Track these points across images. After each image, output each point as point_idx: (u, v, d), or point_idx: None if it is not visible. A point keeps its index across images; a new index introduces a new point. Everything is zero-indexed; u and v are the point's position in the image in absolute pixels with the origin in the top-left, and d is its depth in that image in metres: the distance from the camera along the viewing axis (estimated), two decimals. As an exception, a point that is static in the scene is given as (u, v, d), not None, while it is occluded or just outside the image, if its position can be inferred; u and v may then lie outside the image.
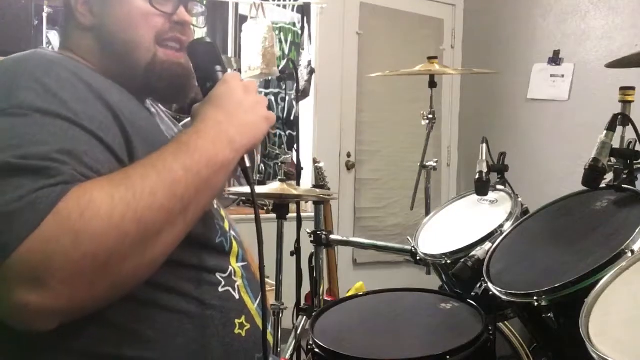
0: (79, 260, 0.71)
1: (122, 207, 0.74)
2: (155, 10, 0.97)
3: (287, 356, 2.13)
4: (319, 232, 2.28)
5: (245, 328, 0.98)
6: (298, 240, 2.27)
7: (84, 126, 0.80)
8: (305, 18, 3.53)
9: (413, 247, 1.80)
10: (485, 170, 1.71)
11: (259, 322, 1.01)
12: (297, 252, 2.27)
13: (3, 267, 0.70)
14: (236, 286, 0.98)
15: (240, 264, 1.02)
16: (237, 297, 0.98)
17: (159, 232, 0.77)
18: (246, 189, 2.39)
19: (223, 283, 0.96)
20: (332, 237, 2.29)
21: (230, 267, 0.99)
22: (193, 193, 0.81)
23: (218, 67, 0.96)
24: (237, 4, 3.62)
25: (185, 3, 1.02)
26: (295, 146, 2.45)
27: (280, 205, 2.11)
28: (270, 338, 1.08)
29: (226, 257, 1.00)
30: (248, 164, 0.92)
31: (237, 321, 0.97)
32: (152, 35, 0.97)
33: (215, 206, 1.05)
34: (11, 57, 0.88)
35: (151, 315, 0.87)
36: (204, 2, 3.39)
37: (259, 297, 1.03)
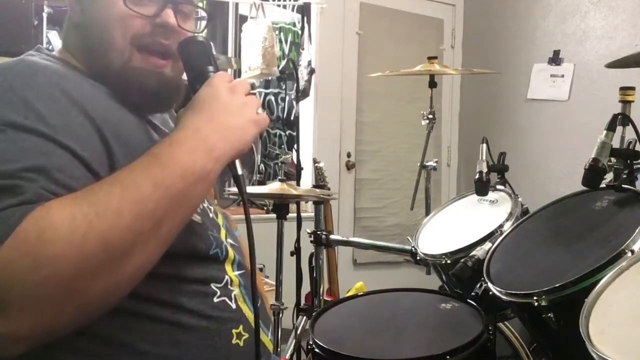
0: (39, 284, 0.67)
1: (84, 227, 0.70)
2: (131, 11, 0.92)
3: (287, 356, 2.13)
4: (319, 232, 2.28)
5: (244, 338, 0.96)
6: (298, 240, 2.27)
7: (59, 141, 0.78)
8: (305, 18, 3.53)
9: (413, 247, 1.80)
10: (485, 170, 1.71)
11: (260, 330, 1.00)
12: (297, 252, 2.27)
13: None
14: (233, 295, 0.97)
15: (237, 272, 1.00)
16: (233, 306, 0.96)
17: (128, 253, 0.73)
18: (246, 190, 2.39)
19: (218, 293, 0.94)
20: (332, 237, 2.29)
21: (227, 277, 0.97)
22: (166, 209, 0.76)
23: (210, 68, 0.91)
24: (237, 4, 3.62)
25: (173, 5, 0.95)
26: (295, 146, 2.45)
27: (280, 205, 2.11)
28: (269, 345, 1.05)
29: (221, 267, 0.98)
30: (240, 171, 0.87)
31: (234, 331, 0.95)
32: (127, 37, 0.92)
33: (211, 215, 1.02)
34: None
35: (143, 327, 0.86)
36: (204, 6, 3.39)
37: (258, 305, 1.02)
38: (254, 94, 0.92)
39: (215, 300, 0.94)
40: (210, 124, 0.83)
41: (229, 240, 1.03)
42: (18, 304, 0.68)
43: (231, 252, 1.01)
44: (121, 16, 0.92)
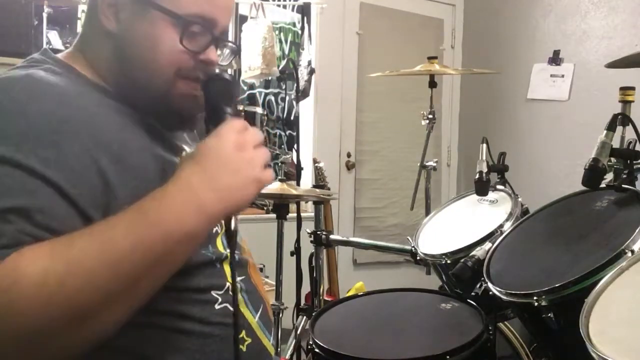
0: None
1: (53, 286, 0.68)
2: (183, 48, 0.90)
3: (287, 356, 2.13)
4: (319, 232, 2.28)
5: (246, 343, 0.96)
6: (298, 240, 2.27)
7: (48, 178, 0.75)
8: (305, 18, 3.53)
9: (413, 247, 1.80)
10: (485, 170, 1.71)
11: (261, 335, 1.00)
12: (297, 252, 2.27)
13: None
14: None
15: (238, 278, 0.99)
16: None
17: (95, 313, 0.72)
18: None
19: (220, 300, 0.94)
20: (332, 237, 2.29)
21: (227, 283, 0.97)
22: (143, 270, 0.74)
23: (228, 109, 0.87)
24: (237, 4, 3.61)
25: (217, 43, 0.95)
26: (295, 146, 2.45)
27: (280, 205, 2.12)
28: (270, 348, 1.05)
29: (222, 273, 0.97)
30: (234, 226, 0.83)
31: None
32: (173, 69, 0.91)
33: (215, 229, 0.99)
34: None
35: (150, 336, 0.87)
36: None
37: (260, 310, 1.02)
38: (265, 145, 0.87)
39: (217, 307, 0.94)
40: (207, 183, 0.78)
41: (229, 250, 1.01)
42: None
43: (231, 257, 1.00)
44: (173, 51, 0.90)
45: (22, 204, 0.73)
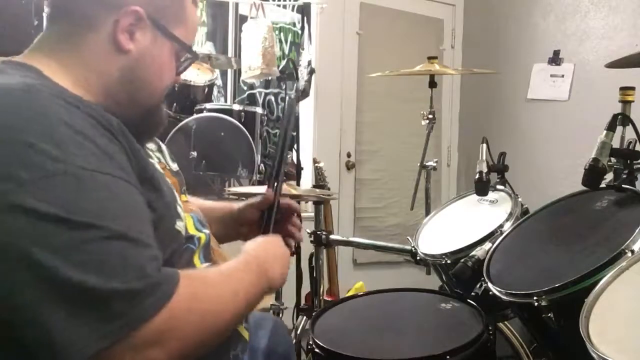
0: (197, 336, 0.82)
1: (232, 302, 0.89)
2: (177, 76, 1.02)
3: (287, 356, 2.13)
4: (319, 232, 2.28)
5: None
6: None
7: (127, 180, 0.81)
8: (305, 18, 3.53)
9: (413, 247, 1.81)
10: (485, 170, 1.71)
11: None
12: (297, 252, 2.27)
13: (131, 336, 0.74)
14: None
15: (205, 265, 1.01)
16: None
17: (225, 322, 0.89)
18: (245, 189, 2.39)
19: None
20: (332, 237, 2.29)
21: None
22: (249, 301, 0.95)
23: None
24: (237, 4, 3.62)
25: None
26: (295, 146, 2.45)
27: (280, 205, 2.11)
28: (245, 333, 1.07)
29: (191, 261, 0.98)
30: None
31: None
32: (166, 90, 1.01)
33: (180, 211, 0.99)
34: (11, 94, 0.78)
35: None
36: (203, 7, 3.39)
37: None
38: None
39: None
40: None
41: (204, 231, 1.04)
42: (180, 344, 0.79)
43: (203, 238, 1.02)
44: (172, 75, 1.00)
45: (132, 210, 0.80)
